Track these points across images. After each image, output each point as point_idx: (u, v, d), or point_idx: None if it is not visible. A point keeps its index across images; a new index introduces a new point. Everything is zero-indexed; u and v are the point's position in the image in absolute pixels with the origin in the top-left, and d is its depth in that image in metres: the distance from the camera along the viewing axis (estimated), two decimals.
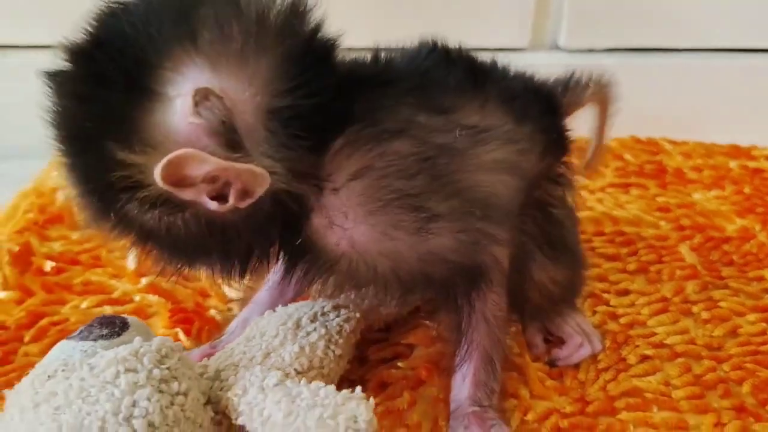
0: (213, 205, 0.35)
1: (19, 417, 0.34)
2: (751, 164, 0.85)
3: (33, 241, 0.63)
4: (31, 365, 0.49)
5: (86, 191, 0.37)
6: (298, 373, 0.42)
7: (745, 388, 0.51)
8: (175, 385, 0.35)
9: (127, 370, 0.34)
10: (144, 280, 0.59)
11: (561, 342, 0.54)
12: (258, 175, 0.34)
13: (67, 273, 0.60)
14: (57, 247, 0.64)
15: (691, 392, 0.50)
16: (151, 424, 0.33)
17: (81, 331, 0.39)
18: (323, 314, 0.46)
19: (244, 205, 0.36)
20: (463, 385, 0.45)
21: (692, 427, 0.47)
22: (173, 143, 0.34)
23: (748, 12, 0.90)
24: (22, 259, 0.61)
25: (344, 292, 0.47)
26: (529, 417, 0.48)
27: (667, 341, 0.55)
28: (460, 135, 0.40)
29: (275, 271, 0.50)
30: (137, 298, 0.57)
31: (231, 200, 0.35)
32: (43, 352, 0.51)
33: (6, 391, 0.38)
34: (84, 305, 0.57)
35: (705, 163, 0.84)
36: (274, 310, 0.47)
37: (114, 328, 0.38)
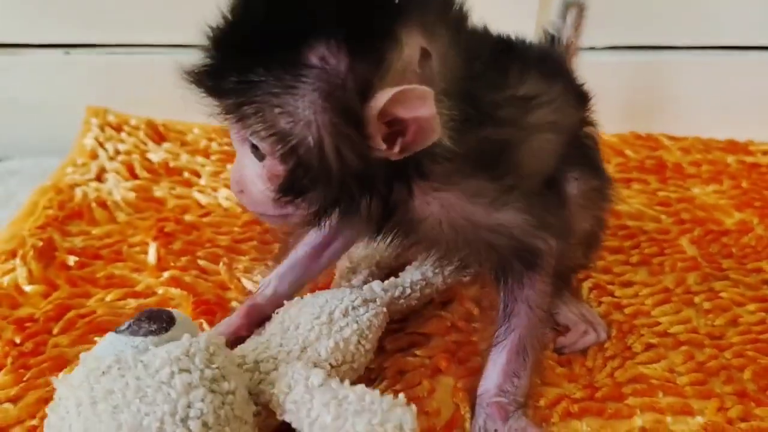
0: (382, 145, 0.38)
1: (76, 412, 0.36)
2: (749, 159, 0.87)
3: (55, 237, 0.65)
4: (63, 356, 0.52)
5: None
6: (332, 367, 0.44)
7: (747, 374, 0.53)
8: (225, 385, 0.37)
9: (181, 370, 0.36)
10: (165, 274, 0.61)
11: (566, 330, 0.57)
12: (434, 135, 0.38)
13: (90, 267, 0.62)
14: (78, 242, 0.65)
15: (694, 378, 0.53)
16: (205, 425, 0.35)
17: (129, 326, 0.40)
18: (354, 308, 0.48)
19: (400, 156, 0.39)
20: (493, 372, 0.48)
21: (697, 412, 0.50)
22: (397, 82, 0.37)
23: (744, 10, 0.92)
24: (46, 254, 0.63)
25: (416, 252, 0.51)
26: (542, 403, 0.50)
27: (671, 330, 0.58)
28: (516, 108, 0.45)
29: (317, 233, 0.53)
30: (160, 291, 0.59)
31: (396, 148, 0.38)
32: (74, 343, 0.53)
33: (54, 380, 0.40)
34: (109, 298, 0.58)
35: (703, 158, 0.86)
36: (302, 297, 0.49)
37: (162, 323, 0.39)
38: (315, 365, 0.43)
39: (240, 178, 0.43)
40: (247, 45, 0.38)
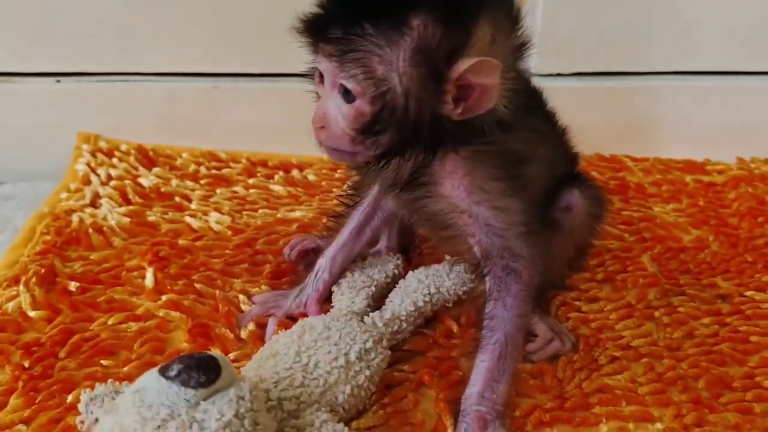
0: (450, 105, 0.47)
1: None
2: (705, 178, 0.93)
3: (56, 263, 0.68)
4: (70, 379, 0.55)
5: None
6: (344, 410, 0.50)
7: (701, 383, 0.59)
8: None
9: None
10: (164, 297, 0.64)
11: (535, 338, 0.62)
12: (491, 102, 0.48)
13: (91, 292, 0.65)
14: (77, 267, 0.69)
15: (654, 388, 0.58)
16: None
17: (179, 373, 0.41)
18: (366, 351, 0.53)
19: (461, 116, 0.48)
20: (476, 378, 0.52)
21: (656, 419, 0.55)
22: (475, 55, 0.47)
23: (700, 38, 0.98)
24: (48, 280, 0.66)
25: (427, 222, 0.59)
26: (517, 413, 0.55)
27: (633, 343, 0.63)
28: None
29: (359, 214, 0.64)
30: (160, 313, 0.63)
31: (459, 110, 0.48)
32: (81, 366, 0.57)
33: (96, 409, 0.45)
34: (110, 322, 0.62)
35: (663, 178, 0.92)
36: (311, 322, 0.55)
37: (210, 374, 0.42)
38: (332, 409, 0.49)
39: (324, 115, 0.50)
40: (357, 4, 0.47)
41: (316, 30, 0.49)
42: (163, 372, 0.42)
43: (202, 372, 0.41)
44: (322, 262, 0.64)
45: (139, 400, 0.42)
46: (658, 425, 0.54)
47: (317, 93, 0.52)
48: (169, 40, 0.91)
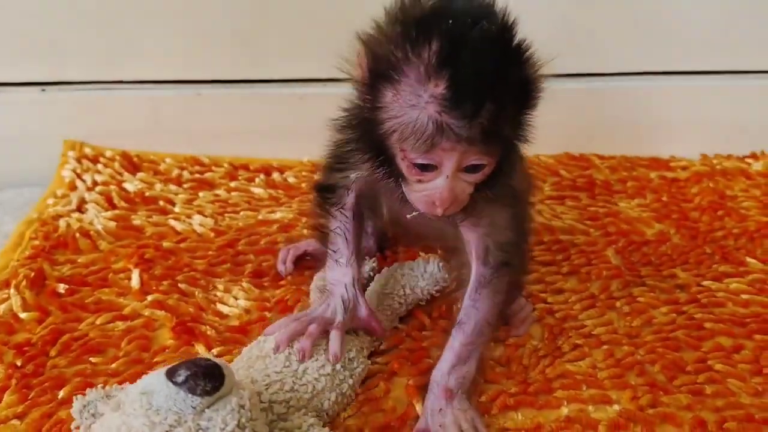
0: None
1: None
2: (669, 174, 0.97)
3: (45, 266, 0.71)
4: (62, 376, 0.58)
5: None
6: (328, 415, 0.54)
7: (656, 368, 0.62)
8: None
9: None
10: (149, 297, 0.67)
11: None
12: None
13: (79, 293, 0.68)
14: (66, 270, 0.72)
15: (613, 373, 0.62)
16: None
17: (186, 380, 0.44)
18: (350, 360, 0.57)
19: None
20: (447, 354, 0.57)
21: (614, 401, 0.59)
22: None
23: (663, 39, 1.02)
24: (38, 283, 0.69)
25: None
26: (483, 398, 0.58)
27: (595, 332, 0.67)
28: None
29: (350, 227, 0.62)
30: (146, 313, 0.66)
31: None
32: (71, 364, 0.60)
33: (100, 404, 0.48)
34: (98, 321, 0.65)
35: (629, 175, 0.96)
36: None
37: (215, 382, 0.44)
38: (317, 414, 0.53)
39: (455, 198, 0.51)
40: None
41: (479, 140, 0.49)
42: (170, 376, 0.45)
43: (208, 380, 0.44)
44: (347, 266, 0.62)
45: (147, 402, 0.44)
46: (616, 407, 0.58)
47: (420, 180, 0.52)
48: (152, 49, 0.94)
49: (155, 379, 0.45)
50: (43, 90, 0.93)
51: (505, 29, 0.49)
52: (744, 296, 0.73)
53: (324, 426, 0.52)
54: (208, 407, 0.44)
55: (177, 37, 0.93)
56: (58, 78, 0.93)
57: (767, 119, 1.07)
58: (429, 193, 0.51)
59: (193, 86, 0.96)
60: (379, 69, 0.49)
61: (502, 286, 0.59)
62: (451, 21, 0.47)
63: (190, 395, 0.43)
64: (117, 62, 0.94)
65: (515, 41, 0.49)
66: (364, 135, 0.53)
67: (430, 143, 0.48)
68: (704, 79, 1.06)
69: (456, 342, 0.57)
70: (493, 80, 0.48)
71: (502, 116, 0.48)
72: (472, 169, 0.51)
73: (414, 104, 0.48)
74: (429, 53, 0.47)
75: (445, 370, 0.56)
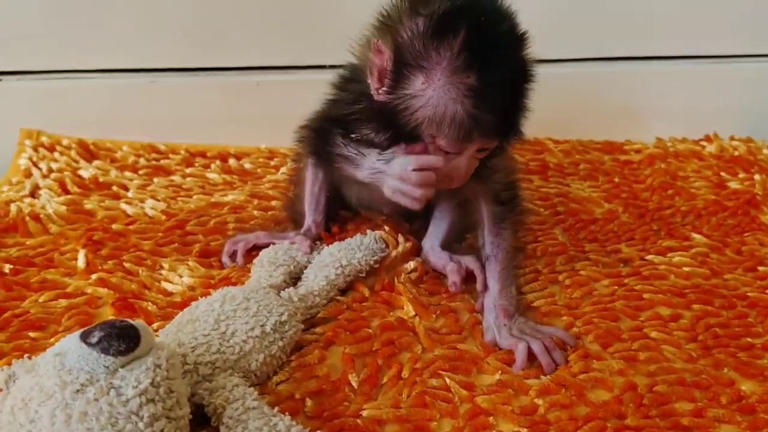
0: None
1: (49, 422, 0.41)
2: (623, 157, 0.98)
3: None
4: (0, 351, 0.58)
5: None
6: (256, 376, 0.54)
7: (590, 338, 0.63)
8: (179, 411, 0.45)
9: (148, 401, 0.43)
10: (93, 276, 0.68)
11: None
12: None
13: (24, 273, 0.69)
14: (13, 252, 0.72)
15: None
16: None
17: (100, 340, 0.44)
18: (281, 323, 0.58)
19: None
20: (493, 285, 0.65)
21: None
22: None
23: (617, 23, 1.04)
24: None
25: None
26: (419, 365, 0.59)
27: (535, 303, 0.68)
28: None
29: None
30: (89, 290, 0.66)
31: None
32: (10, 339, 0.60)
33: (15, 363, 0.47)
34: (41, 299, 0.65)
35: (582, 158, 0.97)
36: (231, 291, 0.60)
37: (130, 343, 0.44)
38: (245, 375, 0.53)
39: (459, 174, 0.60)
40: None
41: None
42: (84, 338, 0.45)
43: (122, 340, 0.44)
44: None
45: (59, 363, 0.44)
46: (548, 376, 0.59)
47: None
48: (107, 38, 0.94)
49: (69, 340, 0.45)
50: (0, 80, 0.94)
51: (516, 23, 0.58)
52: (686, 269, 0.74)
53: (250, 386, 0.52)
54: (122, 367, 0.44)
55: (132, 26, 0.94)
56: (14, 68, 0.94)
57: (722, 103, 1.08)
58: (448, 170, 0.59)
59: (149, 74, 0.97)
60: (406, 58, 0.55)
61: (516, 217, 0.69)
62: (482, 17, 0.55)
63: (102, 355, 0.43)
64: (74, 52, 0.95)
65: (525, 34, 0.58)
66: (377, 114, 0.59)
67: (465, 138, 0.56)
68: (661, 64, 1.08)
69: (494, 272, 0.66)
70: (522, 77, 0.57)
71: (522, 110, 0.58)
72: (485, 149, 0.59)
73: (453, 98, 0.54)
74: (460, 47, 0.53)
75: (495, 294, 0.64)
